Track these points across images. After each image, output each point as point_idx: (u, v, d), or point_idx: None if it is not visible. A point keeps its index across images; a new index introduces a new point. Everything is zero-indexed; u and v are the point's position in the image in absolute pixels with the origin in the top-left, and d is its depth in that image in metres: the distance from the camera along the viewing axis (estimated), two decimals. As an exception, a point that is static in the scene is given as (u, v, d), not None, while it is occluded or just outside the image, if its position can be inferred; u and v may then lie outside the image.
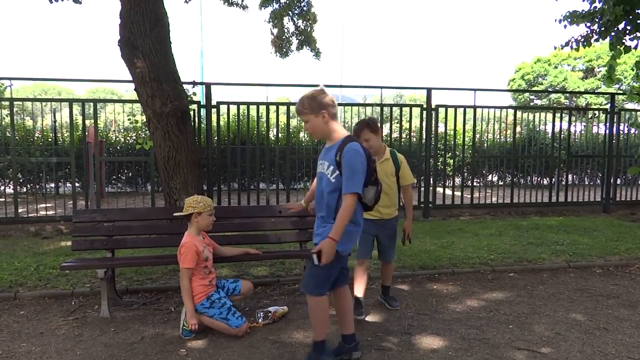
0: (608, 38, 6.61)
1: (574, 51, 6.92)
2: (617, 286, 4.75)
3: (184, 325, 3.55)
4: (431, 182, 8.43)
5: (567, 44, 6.89)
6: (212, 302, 3.60)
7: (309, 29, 10.46)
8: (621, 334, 3.61)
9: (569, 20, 6.70)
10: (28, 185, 9.40)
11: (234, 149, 8.11)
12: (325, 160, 2.99)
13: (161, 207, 7.10)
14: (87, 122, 7.93)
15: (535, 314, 4.01)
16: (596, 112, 10.05)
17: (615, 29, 6.51)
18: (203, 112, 7.52)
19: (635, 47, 6.63)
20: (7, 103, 7.25)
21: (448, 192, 9.03)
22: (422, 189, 8.39)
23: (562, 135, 9.05)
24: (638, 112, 9.72)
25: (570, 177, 9.60)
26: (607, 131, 9.17)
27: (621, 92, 13.49)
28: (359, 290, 3.90)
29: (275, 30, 10.47)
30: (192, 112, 6.82)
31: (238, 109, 7.86)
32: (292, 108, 8.39)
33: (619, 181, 9.53)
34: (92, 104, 7.38)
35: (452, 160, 9.92)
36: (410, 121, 9.20)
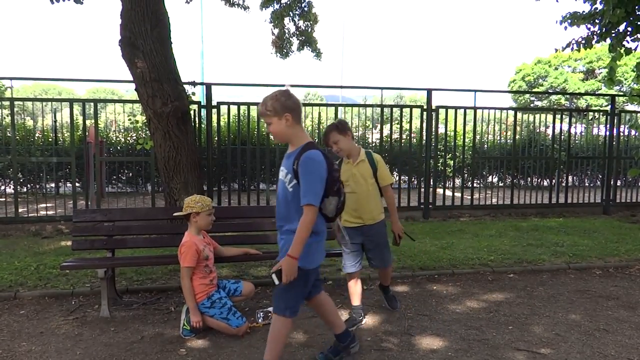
0: (608, 40, 6.61)
1: (575, 53, 6.92)
2: (617, 287, 4.75)
3: (185, 325, 3.55)
4: (431, 183, 8.44)
5: (567, 45, 6.89)
6: (212, 302, 3.61)
7: (309, 30, 10.47)
8: (621, 335, 3.61)
9: (570, 21, 6.71)
10: (28, 185, 9.41)
11: (234, 150, 8.11)
12: (284, 167, 2.81)
13: (161, 207, 7.10)
14: (88, 122, 7.93)
15: (535, 315, 4.01)
16: (596, 113, 10.06)
17: (616, 30, 6.52)
18: (203, 112, 7.52)
19: (636, 49, 6.63)
20: (7, 103, 7.26)
21: (448, 193, 9.03)
22: (422, 189, 8.39)
23: (562, 137, 9.05)
24: (638, 114, 9.72)
25: (570, 178, 9.61)
26: (608, 133, 9.17)
27: (622, 93, 13.48)
28: (356, 299, 3.80)
29: (276, 31, 10.47)
30: (192, 113, 6.82)
31: (238, 109, 7.87)
32: (293, 109, 8.39)
33: (619, 183, 9.54)
34: (92, 104, 7.38)
35: (452, 161, 9.92)
36: (410, 122, 9.20)
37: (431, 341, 3.50)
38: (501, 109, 8.90)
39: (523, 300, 4.36)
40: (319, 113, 8.19)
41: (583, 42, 6.77)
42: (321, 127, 8.01)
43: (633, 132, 9.95)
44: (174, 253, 3.86)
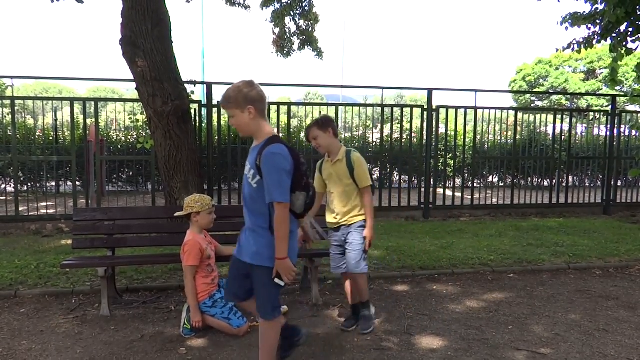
0: (609, 40, 6.61)
1: (576, 53, 6.91)
2: (617, 288, 4.75)
3: (185, 324, 3.55)
4: (431, 182, 8.44)
5: (568, 46, 6.89)
6: (214, 302, 3.62)
7: (310, 29, 10.46)
8: (620, 336, 3.61)
9: (570, 22, 6.70)
10: (29, 184, 9.41)
11: (235, 149, 8.11)
12: (248, 162, 2.69)
13: (162, 206, 7.10)
14: (88, 121, 7.93)
15: (535, 314, 4.01)
16: (597, 113, 10.06)
17: (617, 31, 6.52)
18: (204, 111, 7.53)
19: (637, 49, 6.63)
20: (8, 102, 7.27)
21: (448, 193, 9.03)
22: (423, 189, 8.39)
23: (562, 137, 9.05)
24: (639, 114, 9.72)
25: (570, 178, 9.60)
26: (608, 133, 9.17)
27: (622, 94, 13.48)
28: (352, 298, 3.77)
29: (276, 30, 10.47)
30: (192, 112, 6.82)
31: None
32: (293, 108, 8.40)
33: (619, 183, 9.53)
34: (93, 102, 7.39)
35: (452, 161, 9.91)
36: (411, 122, 9.20)
37: (431, 341, 3.50)
38: (502, 109, 8.90)
39: (523, 300, 4.36)
40: (320, 112, 8.19)
41: (584, 42, 6.77)
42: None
43: (634, 133, 9.95)
44: (174, 252, 3.86)
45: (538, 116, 9.90)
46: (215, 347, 3.38)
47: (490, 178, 10.86)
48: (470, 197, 8.62)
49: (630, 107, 22.52)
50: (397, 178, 10.28)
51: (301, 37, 10.58)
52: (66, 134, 8.45)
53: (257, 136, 2.68)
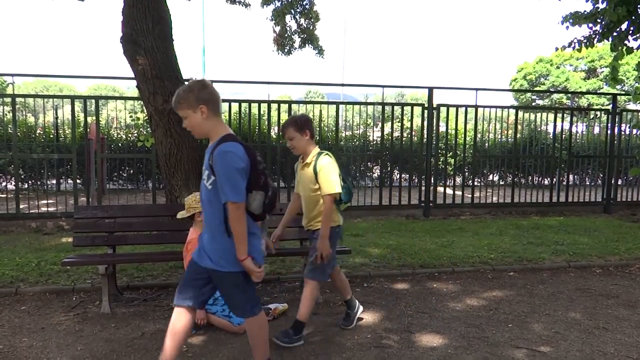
0: (610, 39, 6.60)
1: (576, 52, 6.91)
2: (617, 286, 4.76)
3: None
4: (432, 181, 8.44)
5: (569, 44, 6.88)
6: (215, 299, 3.62)
7: (311, 27, 10.45)
8: (620, 334, 3.62)
9: (571, 21, 6.70)
10: (29, 182, 9.42)
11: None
12: (204, 164, 2.58)
13: (162, 204, 7.10)
14: (89, 119, 7.94)
15: (535, 313, 4.02)
16: (598, 112, 10.05)
17: (618, 29, 6.51)
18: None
19: (638, 48, 6.62)
20: (9, 99, 7.27)
21: (449, 191, 9.04)
22: (423, 188, 8.40)
23: (563, 136, 9.05)
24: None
25: (571, 177, 9.60)
26: (609, 132, 9.17)
27: (623, 92, 13.46)
28: (344, 292, 3.71)
29: (277, 28, 10.45)
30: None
31: (240, 106, 7.87)
32: (294, 106, 8.40)
33: (620, 182, 9.53)
34: (93, 100, 7.39)
35: (453, 160, 9.91)
36: (411, 120, 9.20)
37: (431, 338, 3.51)
38: (502, 107, 8.90)
39: (523, 298, 4.37)
40: (320, 111, 8.20)
41: (585, 41, 6.76)
42: (322, 125, 8.02)
43: (634, 131, 9.94)
44: (174, 250, 3.87)
45: (539, 115, 9.90)
46: (216, 344, 3.39)
47: (491, 176, 10.85)
48: (470, 195, 8.62)
49: (631, 106, 22.52)
50: (398, 176, 10.28)
51: (302, 36, 10.55)
52: (67, 131, 8.46)
53: (211, 136, 2.58)
